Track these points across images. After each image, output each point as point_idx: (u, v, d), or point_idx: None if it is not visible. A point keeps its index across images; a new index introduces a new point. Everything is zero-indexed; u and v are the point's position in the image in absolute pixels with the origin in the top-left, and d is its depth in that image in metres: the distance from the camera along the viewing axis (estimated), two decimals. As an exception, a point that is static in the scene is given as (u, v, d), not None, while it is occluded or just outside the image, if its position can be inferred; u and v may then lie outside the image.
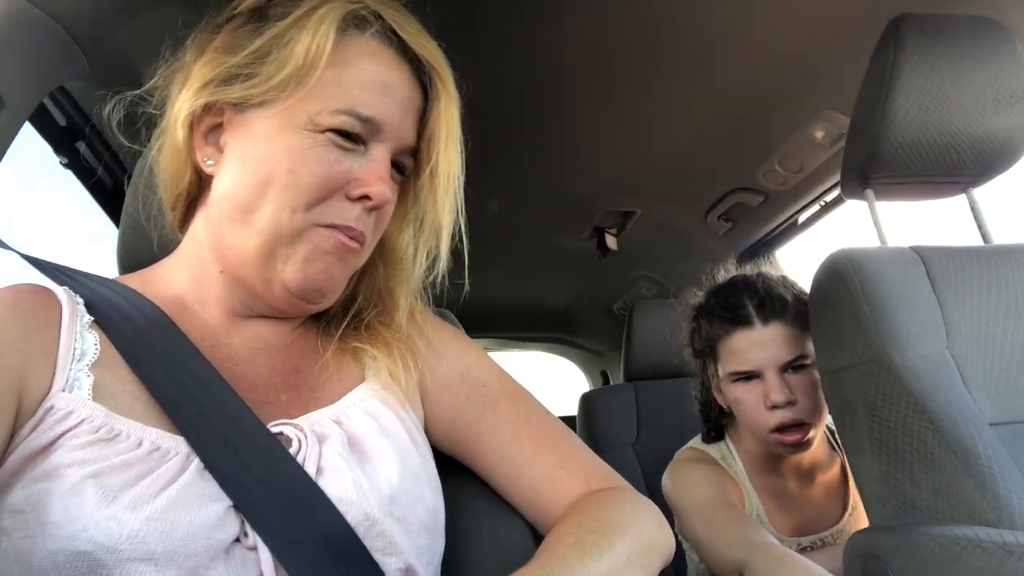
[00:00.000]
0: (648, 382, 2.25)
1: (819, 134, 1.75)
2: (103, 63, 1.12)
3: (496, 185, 2.17)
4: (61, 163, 1.51)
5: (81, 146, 1.49)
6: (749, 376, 1.34)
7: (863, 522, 1.37)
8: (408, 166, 0.78)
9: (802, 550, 1.36)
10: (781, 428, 1.30)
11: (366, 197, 0.72)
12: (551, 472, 0.79)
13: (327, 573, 0.62)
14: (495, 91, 1.66)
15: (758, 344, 1.32)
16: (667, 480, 1.45)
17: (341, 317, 0.82)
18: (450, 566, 0.80)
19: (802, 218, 2.18)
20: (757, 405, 1.33)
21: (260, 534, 0.62)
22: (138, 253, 0.91)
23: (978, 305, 1.06)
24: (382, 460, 0.69)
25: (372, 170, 0.72)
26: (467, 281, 0.84)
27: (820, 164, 1.86)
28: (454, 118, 0.77)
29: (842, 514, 1.41)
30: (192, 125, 0.74)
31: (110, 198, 1.65)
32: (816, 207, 2.10)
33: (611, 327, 3.27)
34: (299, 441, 0.68)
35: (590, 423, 2.21)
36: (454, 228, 0.81)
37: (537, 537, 0.80)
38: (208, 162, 0.75)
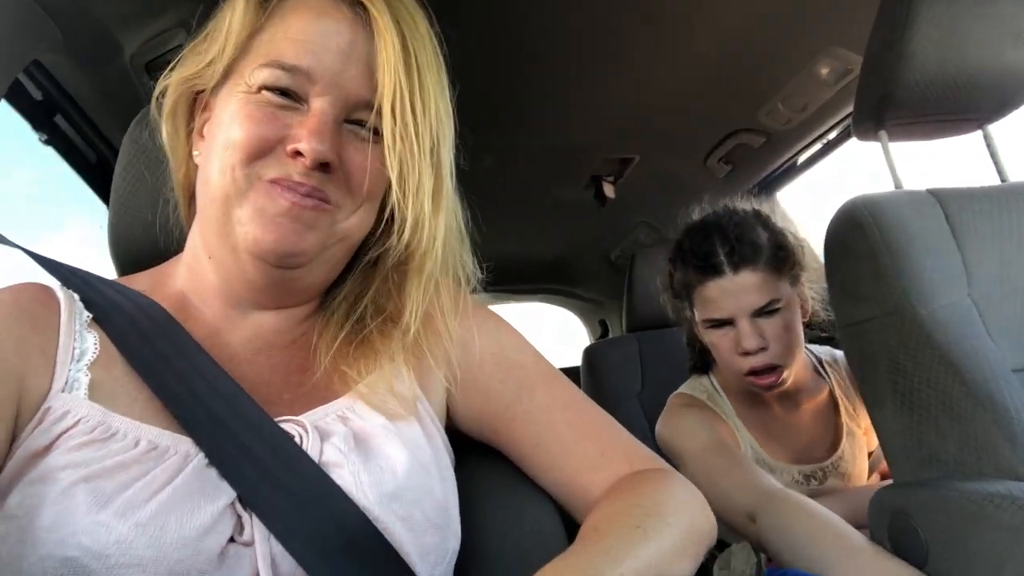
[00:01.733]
0: (650, 332, 2.23)
1: (824, 71, 1.69)
2: (77, 34, 1.06)
3: (490, 138, 2.11)
4: (41, 140, 1.44)
5: (60, 120, 1.42)
6: (722, 323, 1.34)
7: (860, 451, 1.43)
8: (371, 122, 0.69)
9: (805, 479, 1.37)
10: (754, 372, 1.32)
11: (298, 153, 0.65)
12: (591, 460, 0.76)
13: (342, 567, 0.60)
14: (488, 41, 1.61)
15: (729, 293, 1.31)
16: (661, 428, 1.45)
17: (343, 319, 0.77)
18: (476, 550, 0.78)
19: (803, 158, 2.14)
20: (731, 351, 1.34)
21: (271, 529, 0.60)
22: (131, 238, 0.87)
23: (998, 248, 1.02)
24: (388, 456, 0.67)
25: (306, 123, 0.66)
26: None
27: (825, 102, 1.81)
28: (399, 60, 0.68)
29: (836, 443, 1.41)
30: (187, 120, 0.74)
31: (97, 174, 1.59)
32: (818, 146, 2.06)
33: (610, 276, 3.24)
34: (300, 437, 0.66)
35: (594, 377, 2.19)
36: (446, 194, 0.75)
37: (565, 518, 0.78)
38: (195, 154, 0.74)
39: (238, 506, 0.61)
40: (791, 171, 2.20)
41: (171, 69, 0.73)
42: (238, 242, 0.67)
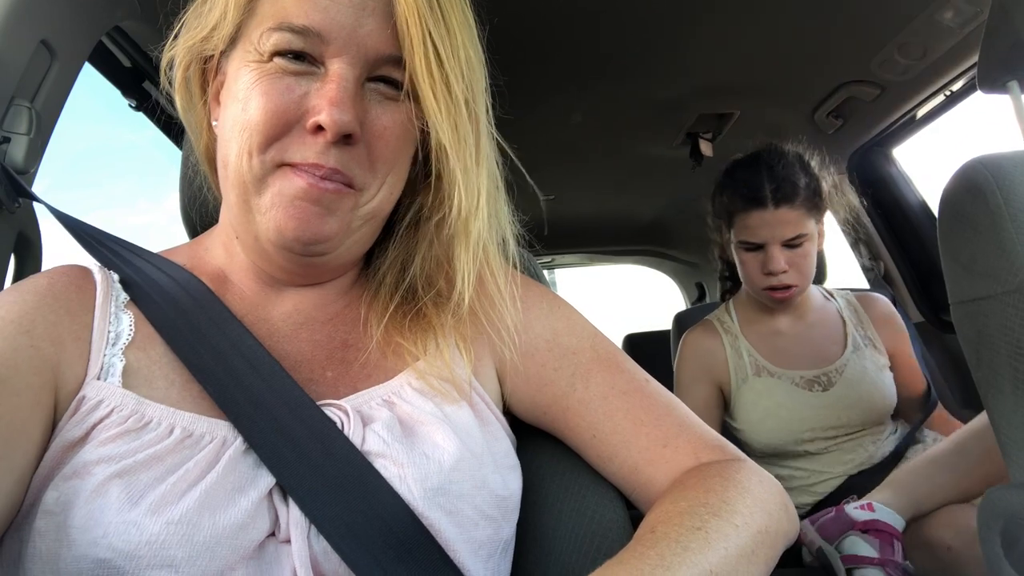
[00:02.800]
0: (748, 298, 2.12)
1: (948, 15, 1.52)
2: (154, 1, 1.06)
3: (578, 95, 2.03)
4: (130, 106, 1.48)
5: (148, 86, 1.45)
6: (755, 247, 1.60)
7: (877, 369, 1.62)
8: (399, 79, 0.63)
9: (808, 384, 1.61)
10: (773, 288, 1.60)
11: (320, 127, 0.60)
12: (652, 452, 0.70)
13: (387, 563, 0.58)
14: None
15: (768, 223, 1.55)
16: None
17: (392, 289, 0.73)
18: (532, 535, 0.75)
19: (922, 112, 1.95)
20: (757, 270, 1.61)
21: (309, 517, 0.58)
22: (201, 209, 0.87)
23: None
24: (435, 445, 0.63)
25: (323, 93, 0.60)
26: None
27: (947, 50, 1.63)
28: (423, 3, 0.61)
29: (842, 350, 1.65)
30: (202, 87, 0.70)
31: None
32: (939, 99, 1.87)
33: (707, 237, 3.10)
34: (341, 422, 0.63)
35: (685, 343, 2.10)
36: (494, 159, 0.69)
37: (630, 507, 0.74)
38: (214, 122, 0.70)
39: (276, 498, 0.59)
40: (909, 126, 2.01)
41: (175, 37, 0.69)
42: (260, 231, 0.64)
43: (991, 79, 1.07)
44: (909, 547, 1.18)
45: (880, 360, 1.65)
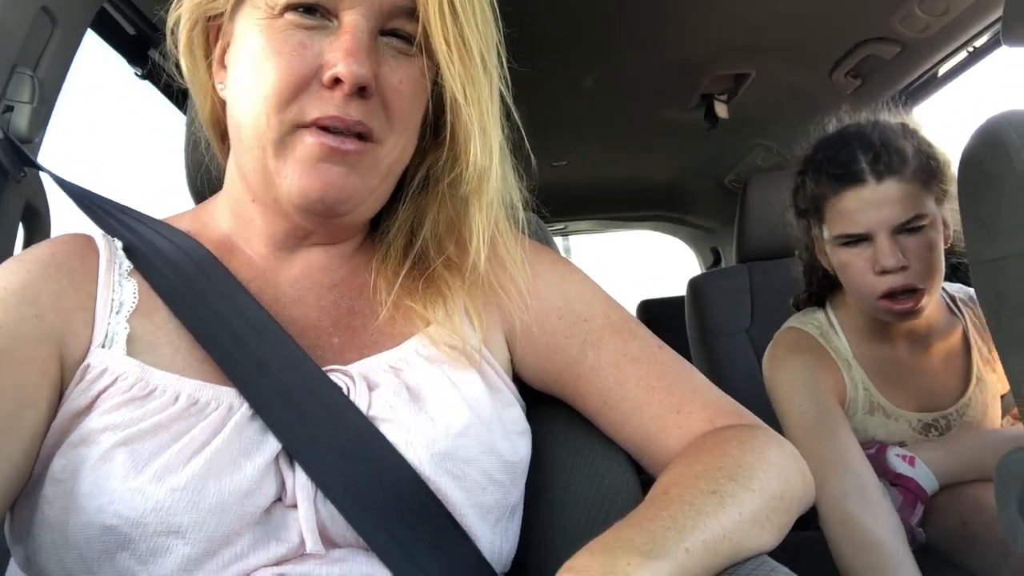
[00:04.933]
0: (763, 263, 2.09)
1: (972, -34, 1.47)
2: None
3: (589, 58, 1.99)
4: (136, 75, 1.47)
5: (154, 54, 1.44)
6: (858, 239, 1.21)
7: (992, 398, 1.31)
8: (411, 32, 0.62)
9: (925, 428, 1.27)
10: (891, 295, 1.19)
11: (337, 80, 0.58)
12: (664, 419, 0.69)
13: (394, 527, 0.58)
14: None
15: (871, 204, 1.18)
16: (766, 367, 1.35)
17: (401, 253, 0.72)
18: (541, 499, 0.75)
19: (944, 69, 1.90)
20: (865, 270, 1.21)
21: (316, 482, 0.58)
22: (205, 175, 0.86)
23: None
24: (441, 411, 0.62)
25: (337, 45, 0.59)
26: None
27: (970, 3, 1.58)
28: None
29: (965, 387, 1.28)
30: (205, 51, 0.69)
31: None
32: (962, 55, 1.82)
33: (724, 201, 3.08)
34: (347, 388, 0.62)
35: (699, 309, 2.07)
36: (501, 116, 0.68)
37: (641, 475, 0.73)
38: (219, 86, 0.68)
39: (282, 463, 0.59)
40: (930, 84, 1.96)
41: None
42: (281, 194, 0.63)
43: (1015, 33, 1.04)
44: (930, 511, 1.16)
45: (997, 386, 1.32)
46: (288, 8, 0.60)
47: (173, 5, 0.69)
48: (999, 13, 1.55)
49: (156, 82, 1.52)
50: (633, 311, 3.26)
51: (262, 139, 0.61)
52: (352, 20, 0.59)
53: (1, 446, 0.53)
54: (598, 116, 2.45)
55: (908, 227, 1.18)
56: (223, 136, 0.73)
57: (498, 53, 0.67)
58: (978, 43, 1.75)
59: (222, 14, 0.66)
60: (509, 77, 0.69)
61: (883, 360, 1.30)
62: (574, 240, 4.42)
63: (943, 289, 1.35)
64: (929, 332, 1.30)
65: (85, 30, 1.09)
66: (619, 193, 3.35)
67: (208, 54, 0.69)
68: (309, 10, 0.60)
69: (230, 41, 0.66)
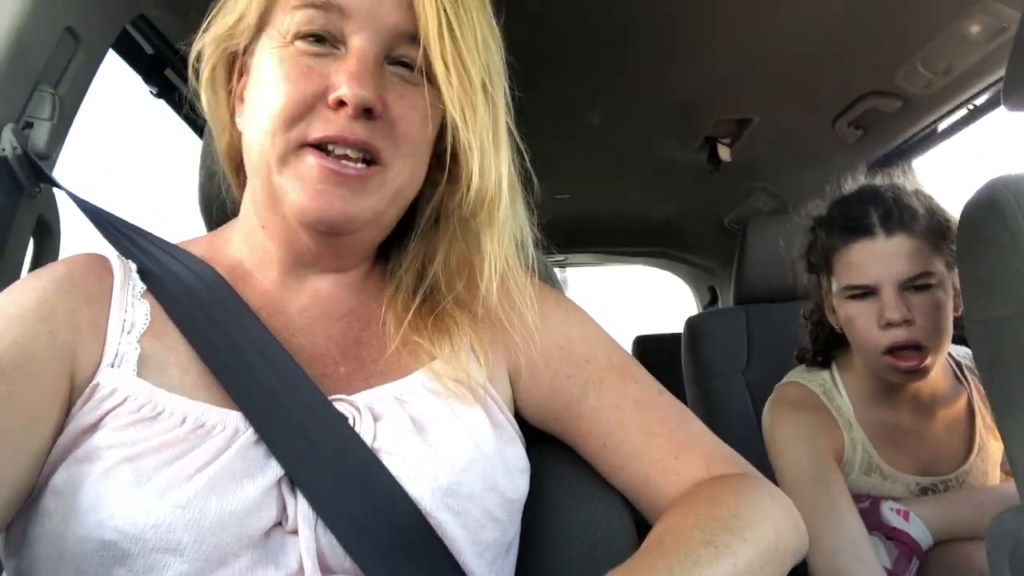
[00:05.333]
0: (760, 305, 2.11)
1: (975, 29, 1.50)
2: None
3: (596, 95, 2.03)
4: (151, 92, 1.49)
5: (170, 73, 1.46)
6: (865, 292, 1.22)
7: (993, 466, 1.30)
8: (412, 58, 0.64)
9: (922, 491, 1.26)
10: (895, 350, 1.18)
11: (342, 102, 0.61)
12: (663, 463, 0.70)
13: (394, 561, 0.58)
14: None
15: (878, 256, 1.19)
16: (766, 419, 1.35)
17: (412, 289, 0.73)
18: (537, 539, 0.75)
19: (944, 125, 1.94)
20: (870, 323, 1.21)
21: (317, 510, 0.59)
22: (220, 207, 0.87)
23: None
24: (445, 446, 0.63)
25: (343, 68, 0.61)
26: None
27: (972, 64, 1.61)
28: None
29: (967, 455, 1.28)
30: (225, 85, 0.71)
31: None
32: (962, 112, 1.85)
33: (722, 242, 3.11)
34: (353, 419, 0.63)
35: (696, 349, 2.09)
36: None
37: (638, 515, 0.74)
38: (238, 119, 0.71)
39: (284, 488, 0.59)
40: (930, 138, 2.00)
41: (204, 30, 0.70)
42: (286, 211, 0.65)
43: (1016, 99, 1.06)
44: (924, 566, 1.16)
45: (998, 454, 1.30)
46: (298, 37, 0.63)
47: (197, 38, 0.71)
48: (999, 74, 1.60)
49: (171, 101, 1.54)
50: (627, 346, 3.27)
51: (267, 156, 0.63)
52: (358, 45, 0.62)
53: (11, 460, 0.54)
54: (602, 152, 2.48)
55: (915, 284, 1.18)
56: (238, 169, 0.75)
57: (504, 81, 0.69)
58: (978, 101, 1.78)
59: (242, 50, 0.69)
60: (517, 110, 0.71)
61: (885, 424, 1.30)
62: (570, 272, 4.44)
63: (949, 355, 1.35)
64: (933, 398, 1.30)
65: (107, 50, 1.11)
66: (619, 228, 3.38)
67: (230, 89, 0.72)
68: (318, 39, 0.63)
69: (248, 75, 0.69)
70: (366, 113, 0.61)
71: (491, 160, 0.66)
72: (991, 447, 1.28)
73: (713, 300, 3.68)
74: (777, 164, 2.47)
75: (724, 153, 2.32)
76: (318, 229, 0.65)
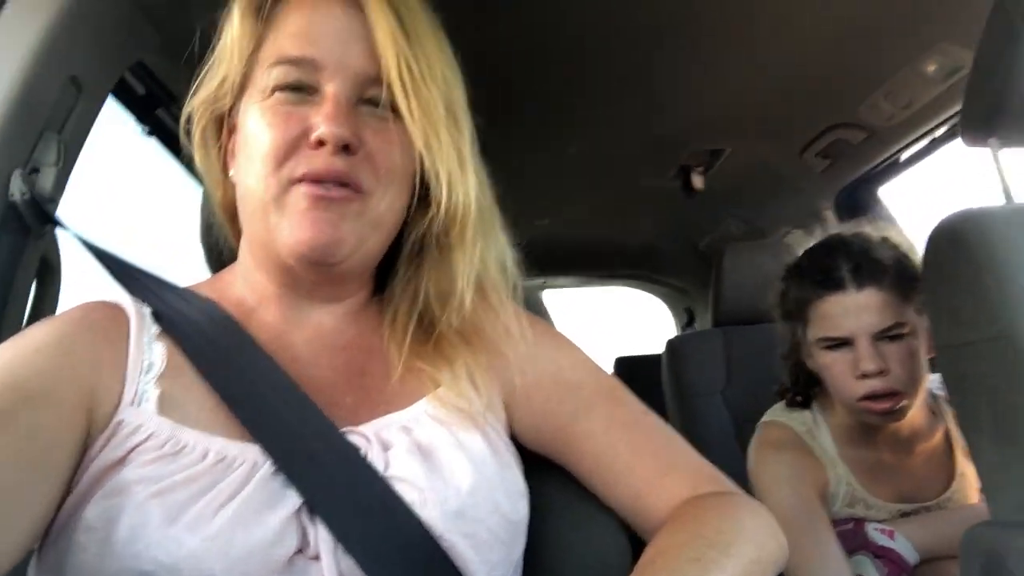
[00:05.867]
0: (738, 327, 2.17)
1: (931, 67, 1.59)
2: (176, 37, 1.11)
3: (575, 127, 2.09)
4: (144, 132, 1.52)
5: (162, 113, 1.50)
6: (840, 343, 1.26)
7: (973, 490, 1.33)
8: (380, 97, 0.69)
9: (903, 515, 1.30)
10: (871, 396, 1.23)
11: (321, 141, 0.66)
12: (652, 481, 0.74)
13: None
14: (573, 30, 1.57)
15: (851, 310, 1.24)
16: (751, 459, 1.39)
17: (407, 316, 0.77)
18: (538, 561, 0.78)
19: (907, 155, 2.03)
20: (846, 373, 1.25)
21: (337, 536, 0.62)
22: (218, 255, 0.91)
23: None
24: (452, 471, 0.67)
25: (320, 111, 0.67)
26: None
27: (931, 99, 1.70)
28: (395, 28, 0.68)
29: (947, 483, 1.32)
30: (216, 144, 0.77)
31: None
32: (924, 143, 1.95)
33: (697, 265, 3.18)
34: (364, 448, 0.67)
35: (676, 370, 2.15)
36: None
37: (633, 538, 0.78)
38: (231, 173, 0.76)
39: (304, 516, 0.62)
40: (893, 168, 2.09)
41: (193, 94, 0.75)
42: (280, 248, 0.69)
43: (973, 135, 1.14)
44: None
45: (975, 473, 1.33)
46: (277, 89, 0.68)
47: (186, 102, 0.76)
48: (956, 108, 1.69)
49: (162, 139, 1.57)
50: (608, 367, 3.32)
51: (263, 198, 0.68)
52: (331, 91, 0.67)
53: (34, 482, 0.56)
54: (581, 181, 2.54)
55: (888, 334, 1.22)
56: (234, 219, 0.79)
57: (466, 111, 0.75)
58: (937, 133, 1.87)
59: (229, 110, 0.75)
60: (498, 141, 0.77)
61: (867, 460, 1.34)
62: (550, 294, 4.49)
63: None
64: (912, 434, 1.34)
65: (107, 96, 1.14)
66: (597, 253, 3.44)
67: (219, 145, 0.77)
68: (296, 88, 0.68)
69: (236, 131, 0.74)
70: (345, 149, 0.66)
71: (458, 182, 0.71)
72: (970, 472, 1.31)
73: (690, 321, 3.75)
74: (748, 192, 2.54)
75: (698, 181, 2.39)
76: (311, 259, 0.68)
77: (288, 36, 0.69)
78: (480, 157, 0.78)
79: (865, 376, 1.22)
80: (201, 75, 0.75)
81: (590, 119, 2.06)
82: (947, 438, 1.36)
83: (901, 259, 1.27)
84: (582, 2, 1.47)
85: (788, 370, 1.44)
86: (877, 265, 1.24)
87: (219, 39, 0.74)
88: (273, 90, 0.68)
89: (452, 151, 0.71)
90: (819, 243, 1.37)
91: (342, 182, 0.66)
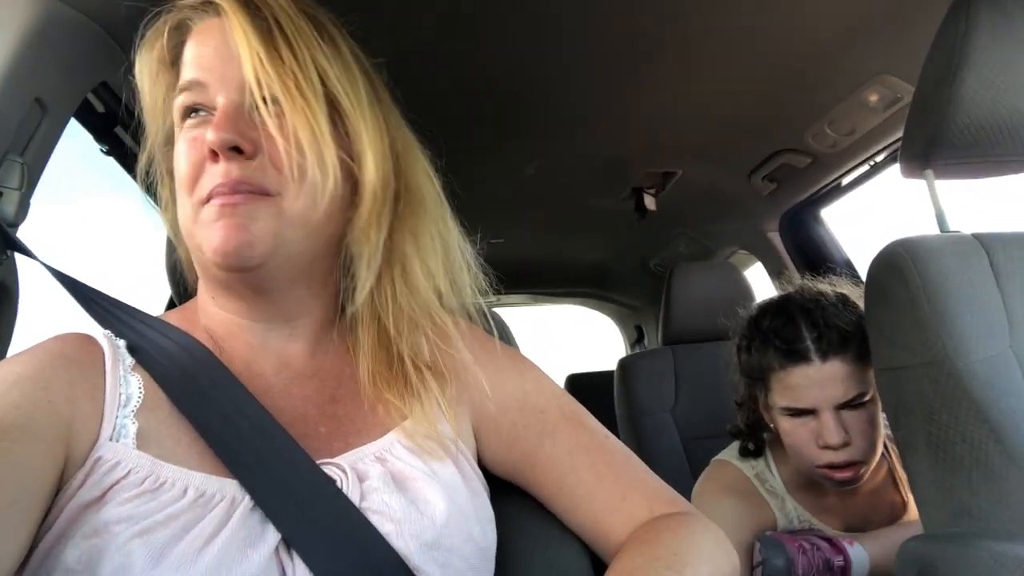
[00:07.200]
0: (687, 346, 2.24)
1: (873, 98, 1.67)
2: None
3: (532, 149, 2.13)
4: (102, 151, 1.49)
5: (120, 132, 1.47)
6: (802, 411, 1.27)
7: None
8: (263, 100, 0.70)
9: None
10: (832, 466, 1.25)
11: (212, 151, 0.67)
12: (612, 504, 0.77)
13: None
14: (529, 56, 1.61)
15: (815, 382, 1.25)
16: (694, 496, 1.43)
17: (375, 340, 0.77)
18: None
19: (849, 179, 2.12)
20: (808, 441, 1.27)
21: (315, 572, 0.62)
22: (186, 280, 0.91)
23: (1044, 297, 1.01)
24: (427, 501, 0.68)
25: (211, 122, 0.68)
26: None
27: (873, 127, 1.79)
28: (249, 30, 0.67)
29: (895, 516, 1.36)
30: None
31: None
32: (864, 168, 2.04)
33: (647, 283, 3.25)
34: (340, 480, 0.67)
35: (627, 388, 2.20)
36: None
37: (595, 561, 0.80)
38: None
39: (282, 553, 0.63)
40: (836, 191, 2.18)
41: (145, 142, 0.79)
42: (207, 263, 0.70)
43: (910, 168, 1.20)
44: None
45: None
46: (184, 116, 0.71)
47: (141, 152, 0.79)
48: (896, 136, 1.78)
49: (120, 159, 1.54)
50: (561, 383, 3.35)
51: (187, 223, 0.70)
52: (221, 103, 0.69)
53: (9, 520, 0.55)
54: (536, 200, 2.58)
55: (851, 404, 1.24)
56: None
57: (366, 93, 0.75)
58: (878, 159, 1.96)
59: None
60: (453, 162, 0.79)
61: (814, 503, 1.37)
62: (502, 312, 4.51)
63: None
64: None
65: (70, 116, 1.13)
66: (551, 271, 3.49)
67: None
68: (196, 110, 0.71)
69: None
70: (239, 153, 0.67)
71: (334, 166, 0.69)
72: (913, 503, 1.29)
73: (640, 338, 3.81)
74: (698, 212, 2.62)
75: (650, 202, 2.45)
76: (230, 265, 0.67)
77: (184, 69, 0.72)
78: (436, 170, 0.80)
79: (828, 447, 1.24)
80: (142, 139, 0.78)
81: (546, 142, 2.10)
82: (890, 474, 1.39)
83: (860, 322, 1.26)
84: (537, 31, 1.51)
85: (742, 417, 1.45)
86: (840, 333, 1.25)
87: (141, 98, 0.77)
88: (182, 118, 0.71)
89: (327, 135, 0.69)
90: (776, 303, 1.37)
91: (243, 192, 0.67)
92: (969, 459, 0.91)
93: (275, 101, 0.68)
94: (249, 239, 0.66)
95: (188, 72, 0.71)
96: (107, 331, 0.72)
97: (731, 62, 1.67)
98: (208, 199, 0.67)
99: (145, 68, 0.75)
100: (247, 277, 0.70)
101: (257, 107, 0.68)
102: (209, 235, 0.67)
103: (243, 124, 0.68)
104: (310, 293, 0.77)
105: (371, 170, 0.73)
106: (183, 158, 0.69)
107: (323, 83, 0.71)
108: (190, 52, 0.72)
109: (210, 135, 0.66)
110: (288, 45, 0.69)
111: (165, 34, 0.74)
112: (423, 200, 0.79)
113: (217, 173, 0.66)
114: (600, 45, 1.59)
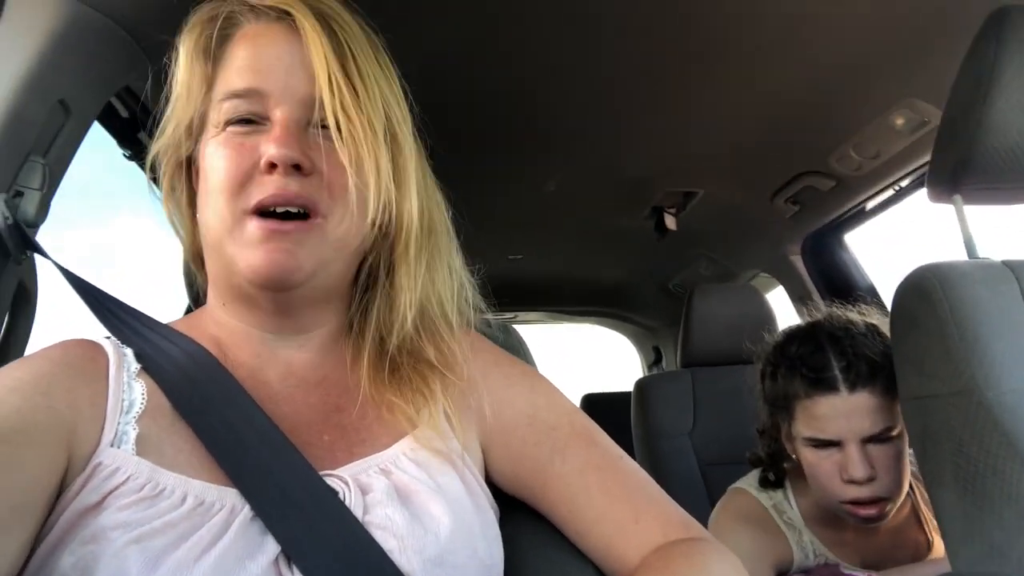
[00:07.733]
0: (706, 369, 2.21)
1: (899, 121, 1.66)
2: (165, 63, 1.12)
3: (553, 166, 2.13)
4: (124, 155, 1.50)
5: (144, 137, 1.49)
6: (827, 443, 1.23)
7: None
8: (327, 119, 0.69)
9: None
10: (856, 502, 1.20)
11: (272, 164, 0.67)
12: (624, 528, 0.74)
13: None
14: (553, 72, 1.61)
15: (842, 413, 1.20)
16: (711, 524, 1.39)
17: (378, 347, 0.77)
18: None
19: (873, 203, 2.10)
20: (832, 474, 1.22)
21: None
22: (199, 284, 0.91)
23: (1076, 326, 0.98)
24: (431, 516, 0.66)
25: (270, 137, 0.68)
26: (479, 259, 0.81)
27: (898, 151, 1.77)
28: (328, 49, 0.68)
29: (917, 556, 1.31)
30: (184, 189, 0.77)
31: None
32: (889, 193, 2.01)
33: (666, 304, 3.23)
34: (343, 493, 0.66)
35: (644, 411, 2.17)
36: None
37: None
38: (199, 215, 0.75)
39: (281, 565, 0.62)
40: (860, 215, 2.15)
41: (157, 137, 0.76)
42: (237, 275, 0.69)
43: (938, 192, 1.18)
44: None
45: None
46: (229, 123, 0.69)
47: (151, 146, 0.77)
48: (922, 160, 1.76)
49: (143, 164, 1.55)
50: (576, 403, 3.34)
51: (220, 231, 0.68)
52: (279, 117, 0.68)
53: (11, 525, 0.54)
54: (556, 218, 2.57)
55: (878, 438, 1.19)
56: (203, 263, 0.78)
57: (408, 130, 0.76)
58: (903, 183, 1.94)
59: (187, 157, 0.75)
60: (472, 177, 0.79)
61: (833, 538, 1.33)
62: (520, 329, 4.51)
63: None
64: None
65: (94, 119, 1.14)
66: (569, 289, 3.48)
67: (188, 188, 0.77)
68: (246, 121, 0.69)
69: (199, 171, 0.74)
70: (297, 170, 0.67)
71: (393, 199, 0.71)
72: (938, 543, 1.29)
73: (658, 359, 3.78)
74: (719, 234, 2.60)
75: (670, 222, 2.44)
76: (269, 286, 0.68)
77: (235, 71, 0.70)
78: (446, 187, 0.80)
79: (852, 481, 1.19)
80: (162, 121, 0.76)
81: (567, 159, 2.10)
82: (914, 512, 1.34)
83: (890, 353, 1.20)
84: (562, 50, 1.51)
85: (763, 445, 1.41)
86: (868, 364, 1.20)
87: (170, 85, 0.75)
88: (225, 125, 0.69)
89: (387, 168, 0.71)
90: (806, 330, 1.33)
91: (296, 206, 0.67)
92: (1000, 494, 0.88)
93: (340, 125, 0.68)
94: (295, 265, 0.67)
95: (243, 78, 0.70)
96: (113, 337, 0.72)
97: (756, 83, 1.66)
98: (255, 211, 0.66)
99: (183, 53, 0.74)
100: (280, 296, 0.71)
101: (319, 126, 0.69)
102: (248, 254, 0.66)
103: (303, 142, 0.68)
104: (329, 308, 0.77)
105: (414, 203, 0.74)
106: (226, 162, 0.68)
107: (385, 113, 0.71)
108: (245, 56, 0.71)
109: (273, 150, 0.65)
110: (358, 70, 0.70)
111: (217, 24, 0.72)
112: (435, 227, 0.79)
113: (271, 184, 0.66)
114: (623, 64, 1.59)
